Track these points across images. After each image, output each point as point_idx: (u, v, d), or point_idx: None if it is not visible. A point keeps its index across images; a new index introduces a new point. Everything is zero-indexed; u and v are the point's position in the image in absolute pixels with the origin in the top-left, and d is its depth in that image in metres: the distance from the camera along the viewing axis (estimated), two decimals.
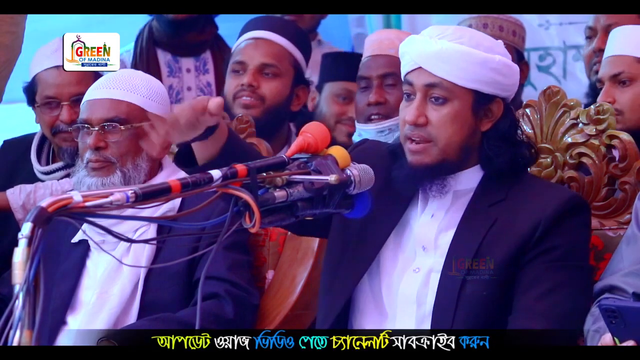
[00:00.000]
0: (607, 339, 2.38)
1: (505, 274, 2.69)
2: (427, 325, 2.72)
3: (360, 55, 4.13)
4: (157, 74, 4.67)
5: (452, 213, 2.78)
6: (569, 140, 3.06)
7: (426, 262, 2.76)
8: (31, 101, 3.86)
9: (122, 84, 3.26)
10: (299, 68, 4.01)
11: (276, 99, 3.93)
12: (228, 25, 4.77)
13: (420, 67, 2.75)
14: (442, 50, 2.73)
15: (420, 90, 2.75)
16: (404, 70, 2.81)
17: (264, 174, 2.09)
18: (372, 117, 3.84)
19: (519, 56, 4.45)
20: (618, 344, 2.32)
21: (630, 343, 2.29)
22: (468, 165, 2.80)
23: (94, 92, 3.28)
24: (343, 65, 4.41)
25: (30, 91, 3.84)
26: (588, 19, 4.31)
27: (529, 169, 2.93)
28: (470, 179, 2.79)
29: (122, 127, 3.21)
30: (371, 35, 4.16)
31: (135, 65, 4.68)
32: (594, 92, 3.90)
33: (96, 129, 3.21)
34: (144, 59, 4.74)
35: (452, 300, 2.68)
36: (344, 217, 2.82)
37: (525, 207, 2.74)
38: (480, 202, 2.76)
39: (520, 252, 2.70)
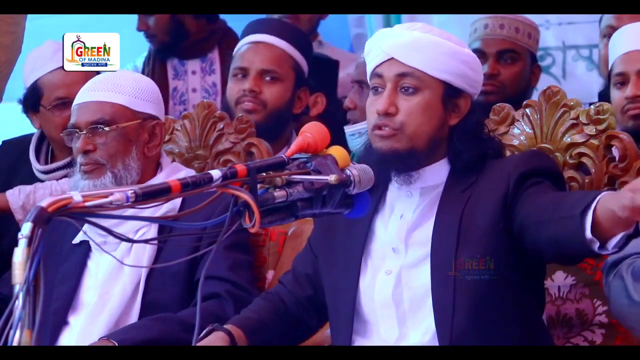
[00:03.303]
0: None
1: (493, 244, 2.67)
2: (408, 323, 2.72)
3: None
4: (164, 77, 4.71)
5: (421, 210, 2.77)
6: (569, 140, 3.06)
7: (397, 263, 2.76)
8: (32, 106, 3.84)
9: (106, 85, 3.24)
10: (300, 70, 4.00)
11: (277, 103, 3.93)
12: (234, 23, 4.79)
13: (391, 58, 2.76)
14: (414, 40, 2.74)
15: (391, 80, 2.75)
16: (371, 65, 2.80)
17: (264, 174, 2.09)
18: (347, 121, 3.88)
19: (532, 59, 4.44)
20: None
21: None
22: (434, 160, 2.79)
23: (81, 96, 3.27)
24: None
25: (34, 96, 3.82)
26: (604, 17, 4.29)
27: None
28: (436, 174, 2.78)
29: (107, 129, 3.20)
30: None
31: (143, 69, 4.74)
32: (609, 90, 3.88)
33: (84, 132, 3.21)
34: (150, 63, 4.79)
35: (449, 291, 2.67)
36: (321, 247, 2.86)
37: (494, 176, 2.73)
38: (453, 190, 2.75)
39: (502, 207, 2.68)
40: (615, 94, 3.58)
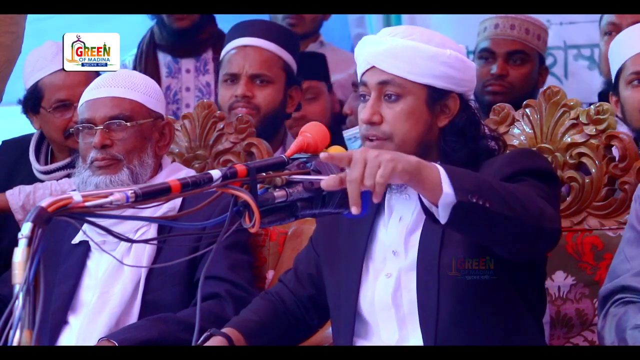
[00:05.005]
0: None
1: (476, 243, 2.65)
2: (408, 326, 2.71)
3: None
4: (156, 75, 4.70)
5: (419, 213, 2.75)
6: (569, 140, 3.06)
7: (396, 266, 2.75)
8: (32, 108, 3.84)
9: (121, 82, 3.26)
10: (290, 70, 4.00)
11: (271, 105, 3.94)
12: (228, 25, 4.79)
13: (373, 67, 2.76)
14: (392, 47, 2.74)
15: (374, 88, 2.75)
16: (359, 72, 2.82)
17: (264, 174, 2.09)
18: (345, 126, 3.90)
19: (540, 60, 4.44)
20: None
21: None
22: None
23: (93, 92, 3.27)
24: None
25: (34, 98, 3.82)
26: (604, 15, 4.29)
27: None
28: None
29: (128, 124, 3.22)
30: None
31: (134, 68, 4.72)
32: (610, 88, 3.87)
33: (100, 127, 3.21)
34: (142, 61, 4.77)
35: (433, 292, 2.66)
36: (323, 247, 2.86)
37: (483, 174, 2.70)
38: None
39: None
40: (629, 93, 3.54)
